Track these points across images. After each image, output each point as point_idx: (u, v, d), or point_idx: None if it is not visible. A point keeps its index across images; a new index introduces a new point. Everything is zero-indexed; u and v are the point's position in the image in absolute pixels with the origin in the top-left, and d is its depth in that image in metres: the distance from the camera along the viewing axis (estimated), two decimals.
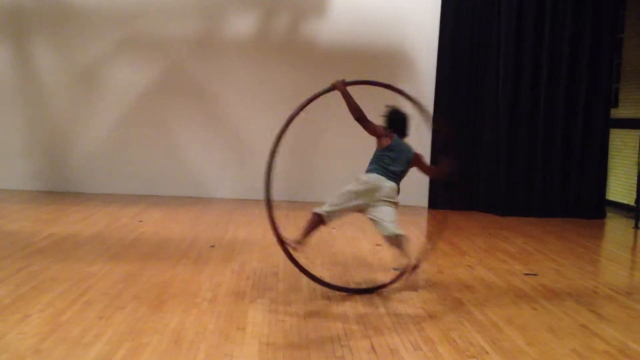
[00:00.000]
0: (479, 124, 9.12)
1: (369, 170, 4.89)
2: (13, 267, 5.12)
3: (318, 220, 4.86)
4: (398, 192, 4.88)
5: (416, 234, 7.63)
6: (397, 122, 5.03)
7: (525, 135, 8.96)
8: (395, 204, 4.84)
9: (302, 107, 4.89)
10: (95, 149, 9.27)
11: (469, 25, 9.04)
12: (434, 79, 9.11)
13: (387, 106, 5.11)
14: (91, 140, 9.27)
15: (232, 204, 8.87)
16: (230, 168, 9.40)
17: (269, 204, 4.77)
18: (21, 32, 9.16)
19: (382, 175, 4.81)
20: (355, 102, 4.84)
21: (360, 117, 4.84)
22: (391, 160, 4.87)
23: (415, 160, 5.00)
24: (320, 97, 4.93)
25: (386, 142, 4.92)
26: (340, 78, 4.96)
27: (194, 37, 9.21)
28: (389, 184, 4.79)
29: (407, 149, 4.98)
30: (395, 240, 4.65)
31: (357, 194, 4.80)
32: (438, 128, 5.25)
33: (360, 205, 4.81)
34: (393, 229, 4.64)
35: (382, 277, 5.30)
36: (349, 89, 4.87)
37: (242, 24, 9.25)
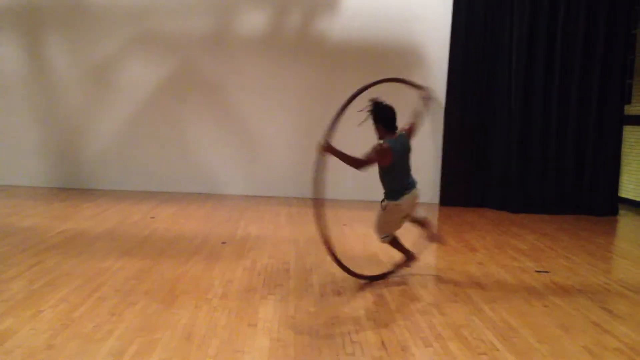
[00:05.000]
0: (491, 120, 9.09)
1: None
2: (26, 263, 5.16)
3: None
4: (387, 194, 5.03)
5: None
6: (384, 114, 4.90)
7: (538, 132, 8.91)
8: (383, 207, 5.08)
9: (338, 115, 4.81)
10: (108, 146, 9.33)
11: (481, 20, 9.00)
12: (446, 74, 9.08)
13: (370, 100, 4.91)
14: (104, 137, 9.34)
15: (243, 201, 8.89)
16: (242, 165, 9.43)
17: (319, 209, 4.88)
18: (34, 30, 9.22)
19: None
20: (347, 156, 4.73)
21: (359, 165, 4.77)
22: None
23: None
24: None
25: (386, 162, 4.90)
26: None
27: (206, 35, 9.23)
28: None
29: (406, 148, 5.02)
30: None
31: None
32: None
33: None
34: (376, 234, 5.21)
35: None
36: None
37: (253, 22, 9.26)
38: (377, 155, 4.81)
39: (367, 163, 4.78)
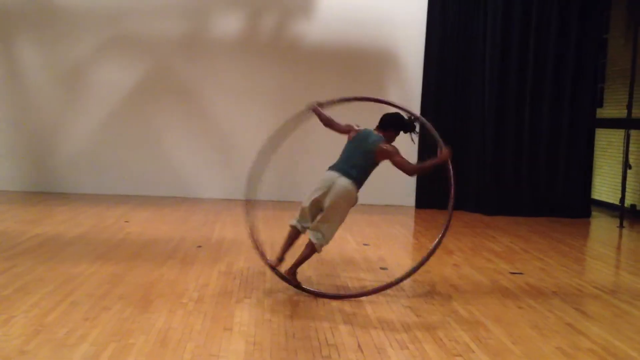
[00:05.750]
0: (466, 124, 9.16)
1: (330, 167, 4.87)
2: None
3: (294, 232, 4.91)
4: (358, 188, 4.79)
5: (403, 233, 7.65)
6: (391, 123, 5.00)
7: (512, 135, 9.01)
8: (349, 200, 4.76)
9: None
10: (81, 149, 9.22)
11: (455, 25, 9.08)
12: (420, 79, 9.15)
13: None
14: (77, 141, 9.23)
15: (219, 204, 8.84)
16: (217, 168, 9.38)
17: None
18: (6, 32, 9.09)
19: (337, 171, 4.78)
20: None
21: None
22: (350, 153, 4.86)
23: (379, 153, 4.80)
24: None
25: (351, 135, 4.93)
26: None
27: (180, 37, 9.19)
28: (343, 181, 4.72)
29: (369, 139, 4.84)
30: (309, 246, 4.77)
31: (316, 190, 4.79)
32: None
33: (318, 199, 4.76)
34: (315, 236, 4.74)
35: (368, 276, 5.33)
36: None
37: (228, 24, 9.23)
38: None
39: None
